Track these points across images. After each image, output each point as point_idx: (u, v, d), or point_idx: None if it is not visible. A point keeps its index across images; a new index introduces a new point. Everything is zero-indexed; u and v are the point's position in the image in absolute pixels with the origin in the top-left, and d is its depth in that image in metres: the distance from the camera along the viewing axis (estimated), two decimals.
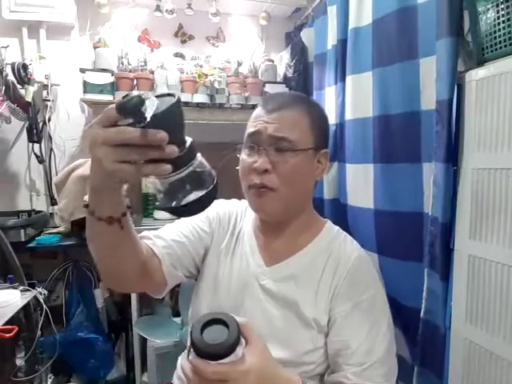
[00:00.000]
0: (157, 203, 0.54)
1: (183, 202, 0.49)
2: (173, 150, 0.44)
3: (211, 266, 0.82)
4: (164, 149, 0.44)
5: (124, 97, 0.44)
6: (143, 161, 0.44)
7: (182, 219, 0.83)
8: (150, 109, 0.43)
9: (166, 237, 0.77)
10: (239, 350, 0.56)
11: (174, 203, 0.50)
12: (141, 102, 0.43)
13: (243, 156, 0.76)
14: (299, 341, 0.73)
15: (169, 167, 0.45)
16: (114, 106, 0.44)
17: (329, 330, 0.74)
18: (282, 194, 0.73)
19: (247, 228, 0.85)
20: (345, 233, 0.87)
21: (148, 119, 0.42)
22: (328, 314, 0.74)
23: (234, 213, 0.88)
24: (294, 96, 0.82)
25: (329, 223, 0.88)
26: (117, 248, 0.62)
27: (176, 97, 0.47)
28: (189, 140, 0.50)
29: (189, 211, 0.52)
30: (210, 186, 0.51)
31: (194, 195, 0.49)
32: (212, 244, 0.83)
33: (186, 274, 0.81)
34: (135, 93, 0.44)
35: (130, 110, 0.43)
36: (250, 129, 0.76)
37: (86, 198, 0.58)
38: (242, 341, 0.57)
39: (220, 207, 0.88)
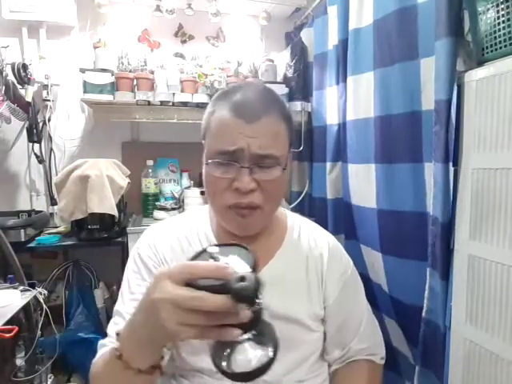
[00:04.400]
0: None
1: (236, 369, 0.44)
2: (246, 315, 0.41)
3: None
4: (238, 315, 0.40)
5: (241, 279, 0.39)
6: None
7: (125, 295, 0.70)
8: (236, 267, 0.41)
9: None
10: None
11: (224, 363, 0.44)
12: (260, 286, 0.39)
13: (214, 171, 0.63)
14: (303, 345, 0.72)
15: (238, 333, 0.41)
16: (193, 264, 0.41)
17: (325, 313, 0.76)
18: (266, 210, 0.66)
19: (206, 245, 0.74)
20: (302, 219, 0.82)
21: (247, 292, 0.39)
22: (322, 304, 0.75)
23: (178, 240, 0.74)
24: (266, 95, 0.67)
25: (289, 217, 0.81)
26: None
27: (252, 255, 0.45)
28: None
29: (241, 379, 0.45)
30: (270, 352, 0.44)
31: (253, 358, 0.44)
32: None
33: None
34: (244, 272, 0.40)
35: (249, 297, 0.39)
36: (223, 144, 0.62)
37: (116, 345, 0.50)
38: None
39: (158, 242, 0.73)
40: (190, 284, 0.42)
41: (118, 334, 0.53)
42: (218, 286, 0.40)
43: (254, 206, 0.64)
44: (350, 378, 0.76)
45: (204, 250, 0.46)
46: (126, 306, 0.68)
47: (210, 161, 0.64)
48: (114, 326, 0.67)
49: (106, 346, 0.64)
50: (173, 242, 0.73)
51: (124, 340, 0.51)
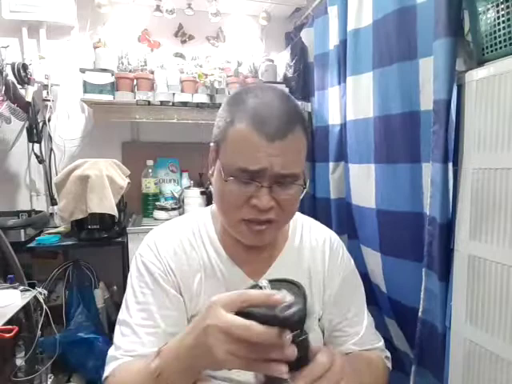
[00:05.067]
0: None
1: None
2: (293, 352, 0.41)
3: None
4: (285, 350, 0.40)
5: (287, 306, 0.40)
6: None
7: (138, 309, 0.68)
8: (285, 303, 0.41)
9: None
10: None
11: None
12: (306, 315, 0.41)
13: (232, 188, 0.61)
14: None
15: (284, 369, 0.41)
16: (247, 293, 0.42)
17: (322, 312, 0.76)
18: (281, 223, 0.67)
19: (212, 248, 0.73)
20: (304, 218, 0.82)
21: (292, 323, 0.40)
22: (322, 302, 0.75)
23: (181, 246, 0.73)
24: (288, 106, 0.62)
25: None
26: None
27: (302, 289, 0.45)
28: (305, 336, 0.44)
29: None
30: None
31: None
32: (183, 292, 0.70)
33: None
34: (290, 298, 0.41)
35: (295, 324, 0.40)
36: (245, 162, 0.59)
37: (154, 364, 0.51)
38: None
39: (160, 247, 0.72)
40: (241, 313, 0.42)
41: (158, 353, 0.53)
42: (267, 315, 0.40)
43: (271, 221, 0.63)
44: (367, 358, 0.74)
45: (256, 285, 0.47)
46: (134, 317, 0.67)
47: (230, 178, 0.60)
48: (122, 337, 0.66)
49: (118, 360, 0.64)
50: (176, 245, 0.72)
51: (166, 360, 0.51)
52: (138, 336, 0.64)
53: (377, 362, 0.75)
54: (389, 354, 0.80)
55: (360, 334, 0.76)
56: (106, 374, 0.64)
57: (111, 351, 0.66)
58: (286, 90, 1.91)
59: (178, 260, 0.70)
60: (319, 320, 0.76)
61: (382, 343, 0.80)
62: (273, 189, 0.60)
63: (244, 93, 0.63)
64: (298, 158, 0.62)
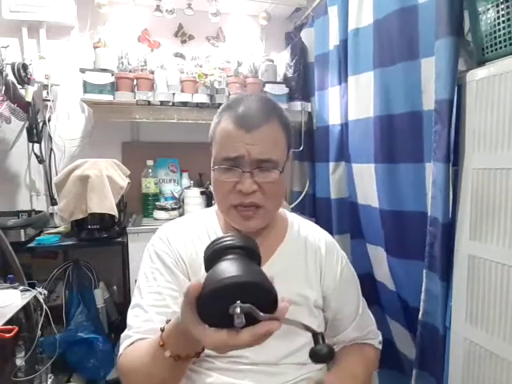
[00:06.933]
0: None
1: None
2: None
3: None
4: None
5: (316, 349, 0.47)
6: None
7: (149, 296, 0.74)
8: None
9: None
10: None
11: None
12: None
13: (220, 176, 0.71)
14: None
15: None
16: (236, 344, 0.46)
17: (324, 303, 0.82)
18: (268, 209, 0.74)
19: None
20: (300, 218, 0.89)
21: None
22: (321, 293, 0.81)
23: (190, 239, 0.80)
24: (265, 105, 0.73)
25: (289, 215, 0.88)
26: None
27: None
28: None
29: None
30: None
31: None
32: (191, 277, 0.77)
33: None
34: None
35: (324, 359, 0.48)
36: (227, 151, 0.70)
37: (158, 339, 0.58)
38: None
39: (171, 238, 0.80)
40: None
41: (162, 330, 0.59)
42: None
43: (256, 205, 0.71)
44: (343, 357, 0.81)
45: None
46: (146, 299, 0.74)
47: (216, 166, 0.72)
48: (134, 318, 0.73)
49: (131, 337, 0.70)
50: (185, 239, 0.80)
51: (167, 333, 0.57)
52: (150, 314, 0.71)
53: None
54: (381, 338, 0.87)
55: (357, 319, 0.83)
56: (119, 352, 0.70)
57: (124, 332, 0.73)
58: (286, 90, 1.91)
59: (187, 250, 0.78)
60: (321, 309, 0.81)
61: (375, 325, 0.88)
62: (254, 173, 0.70)
63: (232, 100, 0.76)
64: (275, 146, 0.71)
